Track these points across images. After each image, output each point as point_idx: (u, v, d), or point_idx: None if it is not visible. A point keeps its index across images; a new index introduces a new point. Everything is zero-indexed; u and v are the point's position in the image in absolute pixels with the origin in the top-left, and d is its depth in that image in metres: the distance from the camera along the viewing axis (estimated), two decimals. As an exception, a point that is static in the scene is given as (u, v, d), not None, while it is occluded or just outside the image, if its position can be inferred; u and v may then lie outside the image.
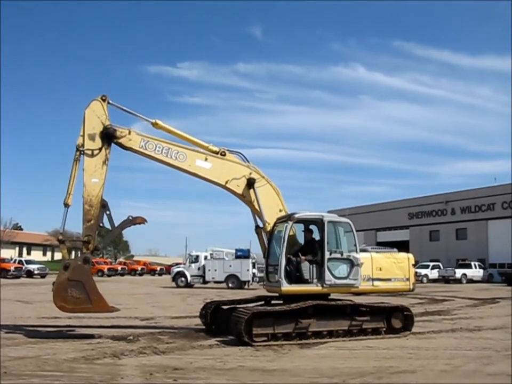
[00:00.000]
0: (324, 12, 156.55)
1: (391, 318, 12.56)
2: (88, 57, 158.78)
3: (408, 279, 13.10)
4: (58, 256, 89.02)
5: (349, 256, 12.22)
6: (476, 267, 51.49)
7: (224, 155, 12.99)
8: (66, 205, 11.78)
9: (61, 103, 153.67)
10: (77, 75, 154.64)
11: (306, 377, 7.93)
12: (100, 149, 11.98)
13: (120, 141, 12.18)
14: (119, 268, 65.91)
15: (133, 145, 12.30)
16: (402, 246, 70.22)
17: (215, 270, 37.73)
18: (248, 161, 13.29)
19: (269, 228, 12.92)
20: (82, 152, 11.87)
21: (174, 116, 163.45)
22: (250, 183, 12.89)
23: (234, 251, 39.03)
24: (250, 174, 13.02)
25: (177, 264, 56.42)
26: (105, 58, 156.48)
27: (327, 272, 11.96)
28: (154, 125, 12.82)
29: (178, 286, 38.21)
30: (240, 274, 37.20)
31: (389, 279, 12.88)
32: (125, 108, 12.61)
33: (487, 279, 51.08)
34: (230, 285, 36.98)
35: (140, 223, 12.53)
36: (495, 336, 12.81)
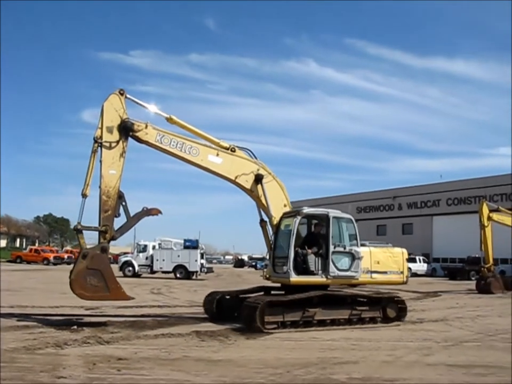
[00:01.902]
0: (277, 6, 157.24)
1: (387, 308, 13.56)
2: (38, 41, 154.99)
3: (402, 272, 14.22)
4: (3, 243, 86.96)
5: (351, 249, 13.11)
6: (420, 261, 52.71)
7: (234, 151, 13.45)
8: (84, 196, 11.85)
9: (5, 86, 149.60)
10: (26, 58, 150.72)
11: (250, 368, 7.97)
12: (118, 142, 12.15)
13: (137, 134, 12.39)
14: (66, 256, 64.68)
15: (149, 139, 12.54)
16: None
17: (163, 260, 37.48)
18: (256, 158, 13.81)
19: (275, 222, 13.57)
20: (100, 144, 11.96)
21: (126, 104, 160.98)
22: (258, 179, 13.48)
23: (182, 241, 38.86)
24: (258, 170, 13.58)
25: (125, 253, 55.70)
26: (55, 43, 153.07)
27: (331, 264, 12.82)
28: (169, 120, 13.08)
29: (125, 276, 37.73)
30: (188, 265, 37.08)
31: (385, 272, 13.91)
32: (140, 102, 12.84)
33: (431, 273, 52.35)
34: (178, 275, 36.83)
35: (155, 214, 12.85)
36: (436, 328, 13.19)
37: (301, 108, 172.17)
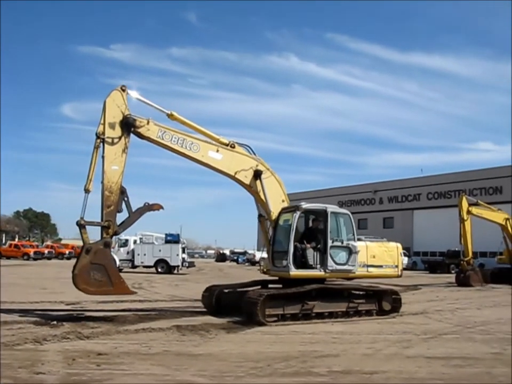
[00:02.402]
0: (259, 0, 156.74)
1: (382, 301, 13.93)
2: (17, 34, 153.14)
3: (397, 266, 14.59)
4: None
5: (348, 244, 13.39)
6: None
7: (234, 147, 13.60)
8: (87, 191, 11.87)
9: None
10: (5, 52, 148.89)
11: (231, 362, 7.97)
12: (120, 138, 12.20)
13: (139, 130, 12.46)
14: (46, 252, 64.10)
15: (151, 135, 12.62)
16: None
17: (144, 255, 37.34)
18: (254, 154, 13.96)
19: (273, 217, 13.76)
20: (102, 140, 11.99)
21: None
22: (257, 175, 13.63)
23: (164, 236, 38.74)
24: (257, 166, 13.74)
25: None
26: (34, 36, 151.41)
27: (329, 258, 13.09)
28: (170, 116, 13.16)
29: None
30: (170, 259, 37.00)
31: (381, 266, 14.22)
32: (142, 98, 12.85)
33: (411, 267, 52.71)
34: (160, 270, 36.73)
35: (156, 209, 12.98)
36: (416, 321, 13.29)
37: (282, 102, 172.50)
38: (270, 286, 13.92)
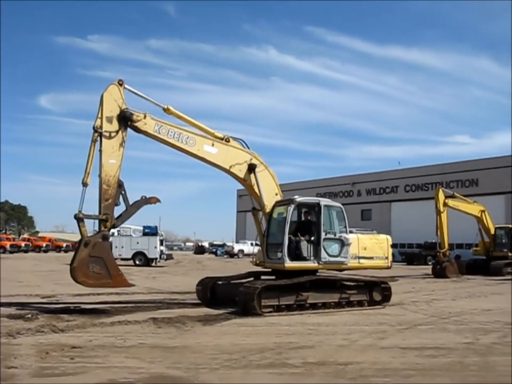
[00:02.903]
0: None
1: (373, 292, 14.30)
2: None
3: (387, 258, 15.10)
4: None
5: (341, 236, 13.74)
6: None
7: (228, 141, 13.79)
8: (85, 184, 11.92)
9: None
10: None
11: (206, 354, 7.96)
12: (117, 132, 12.29)
13: (136, 124, 12.54)
14: (23, 245, 63.38)
15: (148, 129, 12.71)
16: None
17: (122, 247, 37.07)
18: (248, 148, 14.19)
19: (267, 210, 14.08)
20: (100, 134, 12.05)
21: (84, 89, 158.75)
22: (251, 168, 13.87)
23: (142, 228, 38.53)
24: (251, 159, 13.98)
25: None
26: (10, 25, 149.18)
27: (322, 250, 13.43)
28: (166, 110, 13.18)
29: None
30: (148, 252, 36.82)
31: (372, 257, 14.69)
32: (138, 93, 12.92)
33: (389, 258, 52.98)
34: (137, 262, 36.53)
35: (154, 203, 13.20)
36: (392, 312, 13.42)
37: (260, 94, 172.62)
38: (262, 277, 14.23)
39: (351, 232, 14.26)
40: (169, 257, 41.03)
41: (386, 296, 14.57)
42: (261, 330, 10.29)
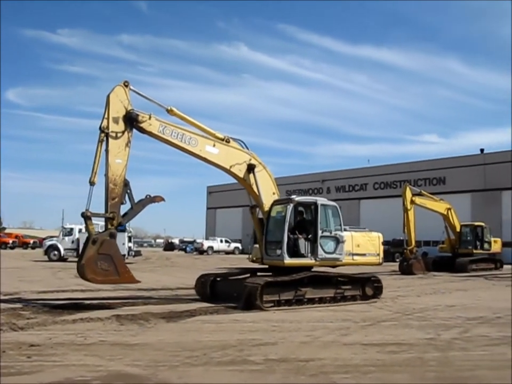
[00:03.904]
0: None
1: (365, 287, 14.96)
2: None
3: (378, 254, 15.85)
4: None
5: (336, 234, 14.43)
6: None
7: (229, 142, 14.29)
8: (92, 183, 12.20)
9: None
10: None
11: (167, 351, 7.88)
12: (123, 132, 12.59)
13: (141, 125, 12.84)
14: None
15: (152, 129, 13.03)
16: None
17: (89, 244, 36.61)
18: (247, 148, 14.71)
19: (266, 209, 14.66)
20: (106, 134, 12.32)
21: (53, 84, 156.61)
22: (250, 168, 14.45)
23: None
24: (250, 160, 14.55)
25: (51, 237, 54.20)
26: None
27: (319, 247, 14.05)
28: (169, 111, 13.52)
29: (50, 260, 36.88)
30: (115, 248, 36.32)
31: (364, 254, 15.41)
32: (142, 94, 13.21)
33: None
34: (105, 259, 36.07)
35: (158, 201, 13.60)
36: (357, 308, 13.49)
37: (232, 91, 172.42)
38: (258, 274, 14.74)
39: (345, 230, 14.84)
40: (138, 253, 40.73)
41: (377, 291, 15.28)
42: (224, 327, 10.25)
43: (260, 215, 15.27)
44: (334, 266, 15.08)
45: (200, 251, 63.00)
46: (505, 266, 34.31)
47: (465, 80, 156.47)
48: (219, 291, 14.67)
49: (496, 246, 36.08)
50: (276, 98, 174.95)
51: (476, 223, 35.74)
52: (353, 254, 15.00)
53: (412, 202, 30.89)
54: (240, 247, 66.51)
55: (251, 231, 69.89)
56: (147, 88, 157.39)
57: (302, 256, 14.01)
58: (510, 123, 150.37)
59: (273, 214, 14.68)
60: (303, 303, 13.47)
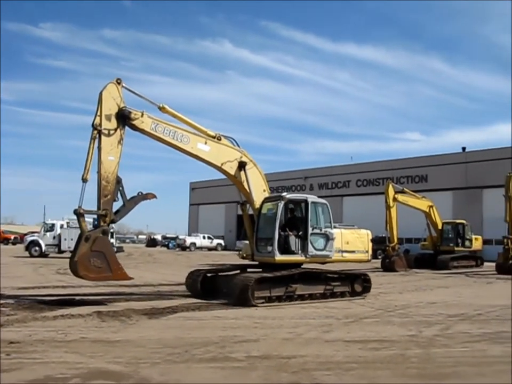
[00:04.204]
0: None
1: (354, 284, 15.17)
2: None
3: (367, 251, 16.22)
4: None
5: (326, 231, 14.57)
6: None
7: (220, 139, 14.41)
8: (84, 180, 12.21)
9: None
10: None
11: (148, 348, 7.82)
12: (116, 129, 12.61)
13: (133, 122, 12.81)
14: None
15: (145, 127, 13.05)
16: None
17: (72, 239, 36.22)
18: (238, 146, 14.82)
19: (257, 206, 14.77)
20: (99, 132, 12.33)
21: (36, 78, 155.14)
22: (241, 166, 14.54)
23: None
24: (241, 157, 14.64)
25: (32, 233, 53.73)
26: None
27: (309, 244, 14.22)
28: (161, 109, 13.60)
29: (32, 256, 36.60)
30: (97, 244, 36.10)
31: (353, 251, 15.73)
32: (135, 91, 13.23)
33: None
34: (87, 255, 35.83)
35: (150, 199, 13.67)
36: (339, 305, 13.51)
37: (215, 88, 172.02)
38: (249, 270, 14.88)
39: (334, 227, 15.02)
40: (120, 250, 40.42)
41: (366, 287, 15.42)
42: (206, 324, 10.22)
43: (250, 212, 15.43)
44: (323, 263, 15.19)
45: (183, 247, 62.86)
46: (485, 263, 34.55)
47: (447, 79, 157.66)
48: (210, 287, 14.72)
49: (477, 244, 36.39)
50: (259, 95, 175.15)
51: (458, 221, 35.99)
52: (342, 251, 15.25)
53: (394, 199, 31.03)
54: (223, 244, 66.50)
55: (234, 227, 70.04)
56: (130, 84, 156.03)
57: (293, 253, 14.13)
58: (490, 122, 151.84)
59: (264, 211, 14.82)
60: (294, 299, 13.66)
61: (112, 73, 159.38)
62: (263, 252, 14.34)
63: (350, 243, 15.58)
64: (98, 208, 12.32)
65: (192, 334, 9.12)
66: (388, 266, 29.94)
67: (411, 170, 55.88)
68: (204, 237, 65.58)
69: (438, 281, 23.41)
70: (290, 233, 14.22)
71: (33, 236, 40.51)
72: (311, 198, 14.82)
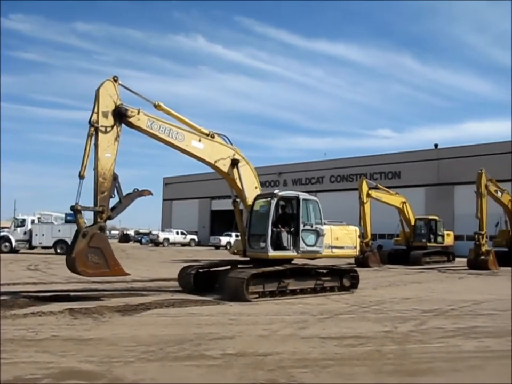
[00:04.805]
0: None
1: (343, 279, 15.54)
2: None
3: (355, 247, 16.52)
4: None
5: (316, 228, 14.91)
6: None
7: (213, 137, 14.60)
8: (81, 177, 12.24)
9: None
10: None
11: (122, 346, 7.67)
12: (112, 126, 12.64)
13: (130, 120, 12.88)
14: None
15: (141, 124, 13.14)
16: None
17: (43, 235, 35.94)
18: (231, 143, 15.10)
19: (249, 203, 15.02)
20: (96, 129, 12.35)
21: (6, 70, 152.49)
22: (234, 163, 14.79)
23: (64, 215, 37.36)
24: (234, 155, 14.89)
25: (2, 228, 52.85)
26: None
27: (301, 240, 14.51)
28: (157, 106, 13.74)
29: (1, 252, 35.94)
30: (70, 240, 35.58)
31: (343, 247, 15.96)
32: (131, 89, 13.28)
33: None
34: (59, 251, 35.44)
35: (146, 195, 13.83)
36: (314, 301, 13.47)
37: (189, 83, 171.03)
38: (239, 265, 15.12)
39: (324, 223, 15.27)
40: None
41: (354, 282, 15.83)
42: (181, 321, 10.09)
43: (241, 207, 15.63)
44: (313, 259, 15.50)
45: (156, 243, 62.42)
46: (457, 259, 34.96)
47: (419, 76, 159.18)
48: (203, 283, 14.91)
49: (449, 239, 36.79)
50: (233, 91, 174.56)
51: (430, 217, 36.33)
52: (332, 247, 15.50)
53: (368, 195, 31.21)
54: (197, 239, 66.20)
55: (207, 223, 69.76)
56: (102, 77, 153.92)
57: (285, 249, 14.43)
58: (460, 120, 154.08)
59: (256, 208, 15.06)
60: (286, 294, 13.90)
61: (85, 67, 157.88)
62: (256, 248, 14.60)
63: (339, 239, 15.82)
64: (95, 204, 12.34)
65: (166, 331, 8.99)
66: (361, 262, 30.03)
67: (384, 167, 56.22)
68: (177, 233, 65.20)
69: (411, 276, 23.60)
70: (283, 229, 14.48)
71: (3, 231, 39.81)
72: (303, 195, 15.11)
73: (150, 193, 13.91)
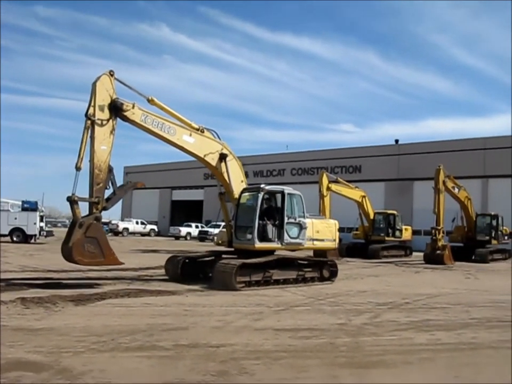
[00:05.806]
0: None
1: (323, 270, 16.32)
2: None
3: (334, 240, 17.24)
4: None
5: (300, 221, 15.60)
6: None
7: (203, 132, 15.19)
8: (78, 169, 12.45)
9: None
10: None
11: (73, 336, 7.54)
12: (108, 120, 12.95)
13: (125, 113, 13.24)
14: None
15: (135, 118, 13.54)
16: (196, 206, 70.59)
17: (-2, 224, 35.05)
18: (220, 138, 15.71)
19: (235, 196, 15.67)
20: (92, 122, 12.61)
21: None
22: (222, 157, 15.42)
23: (20, 203, 36.58)
24: (222, 149, 15.52)
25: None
26: None
27: (285, 233, 15.18)
28: (150, 101, 14.10)
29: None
30: (26, 228, 35.00)
31: (323, 240, 16.63)
32: (126, 83, 13.66)
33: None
34: (15, 239, 34.69)
35: (140, 187, 14.54)
36: (270, 293, 13.50)
37: (152, 72, 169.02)
38: (224, 256, 15.82)
39: (306, 217, 15.86)
40: (50, 234, 39.24)
41: (333, 273, 16.60)
42: (134, 311, 10.01)
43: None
44: (295, 250, 16.03)
45: (115, 232, 61.65)
46: (414, 253, 35.48)
47: (381, 73, 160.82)
48: (189, 272, 15.49)
49: (406, 234, 37.29)
50: (196, 81, 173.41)
51: (389, 211, 36.73)
52: (313, 239, 16.15)
53: (328, 189, 31.36)
54: (156, 229, 65.70)
55: (168, 213, 69.10)
56: (64, 64, 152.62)
57: (270, 240, 15.00)
58: (421, 117, 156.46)
59: (243, 201, 15.67)
60: (271, 284, 14.58)
61: (46, 53, 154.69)
62: (242, 240, 15.13)
63: (320, 232, 16.41)
64: (91, 195, 12.62)
65: (119, 321, 8.89)
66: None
67: (345, 161, 56.61)
68: (137, 222, 64.53)
69: (368, 270, 23.89)
70: (268, 222, 15.03)
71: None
72: (287, 189, 15.74)
73: (143, 184, 14.51)
